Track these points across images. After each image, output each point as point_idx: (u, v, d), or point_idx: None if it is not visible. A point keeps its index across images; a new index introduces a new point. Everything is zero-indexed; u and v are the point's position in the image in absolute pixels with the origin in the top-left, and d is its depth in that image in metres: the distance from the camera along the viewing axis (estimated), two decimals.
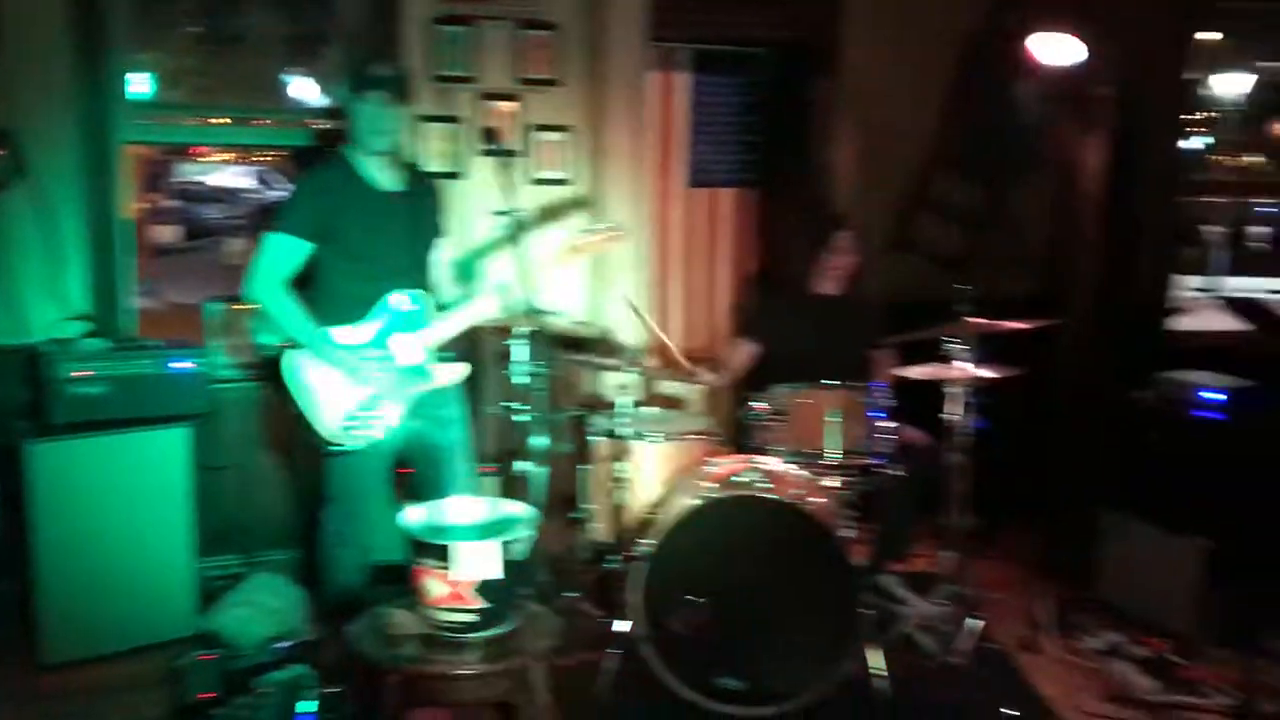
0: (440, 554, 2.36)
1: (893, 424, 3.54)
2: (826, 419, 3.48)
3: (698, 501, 3.21)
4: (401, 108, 3.13)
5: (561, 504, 4.45)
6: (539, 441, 3.67)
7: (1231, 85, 13.77)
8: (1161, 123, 4.66)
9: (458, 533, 2.59)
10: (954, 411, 3.60)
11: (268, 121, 4.78)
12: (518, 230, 3.37)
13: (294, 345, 3.16)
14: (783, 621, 3.17)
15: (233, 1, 11.39)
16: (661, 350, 4.28)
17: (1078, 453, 4.26)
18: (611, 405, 3.83)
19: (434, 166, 4.11)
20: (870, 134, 4.77)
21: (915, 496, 3.87)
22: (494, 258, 4.14)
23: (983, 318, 3.56)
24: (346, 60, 4.34)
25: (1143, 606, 3.89)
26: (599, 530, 3.83)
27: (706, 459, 3.61)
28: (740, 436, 3.91)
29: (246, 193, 16.40)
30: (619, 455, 3.65)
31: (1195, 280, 12.73)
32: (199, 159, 16.49)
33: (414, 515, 2.58)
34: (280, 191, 13.63)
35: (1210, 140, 13.43)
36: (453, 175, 4.20)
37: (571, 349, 4.18)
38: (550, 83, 4.38)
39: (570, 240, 2.98)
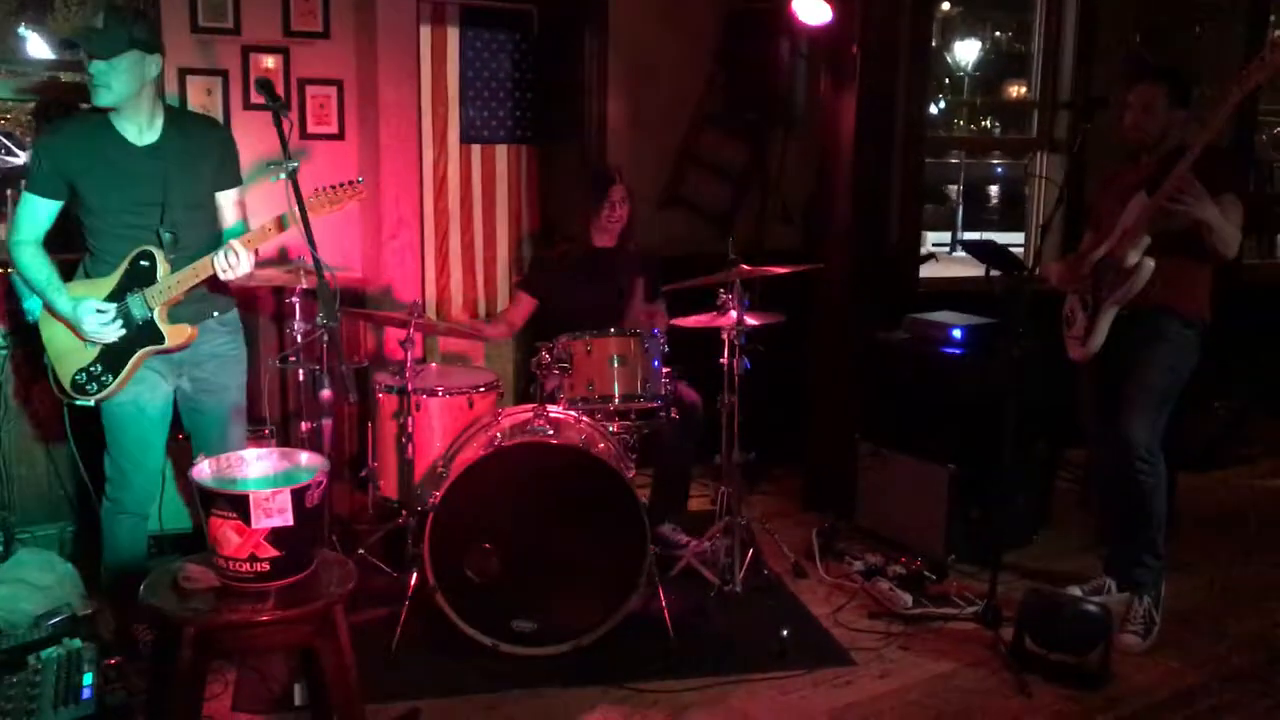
0: (231, 504, 2.33)
1: (669, 371, 3.71)
2: (609, 365, 3.61)
3: (484, 452, 3.27)
4: (110, 62, 2.91)
5: (349, 463, 4.41)
6: (322, 399, 3.60)
7: (967, 51, 14.92)
8: (907, 85, 5.02)
9: (248, 483, 2.55)
10: (725, 357, 3.81)
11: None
12: (286, 184, 3.26)
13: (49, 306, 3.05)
14: (572, 563, 3.30)
15: None
16: (441, 304, 4.28)
17: (837, 391, 4.56)
18: (396, 361, 3.80)
19: None
20: (640, 92, 4.92)
21: (692, 441, 4.09)
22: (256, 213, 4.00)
23: (749, 267, 3.76)
24: (90, 12, 4.07)
25: (899, 530, 4.24)
26: (387, 486, 3.81)
27: (492, 410, 3.68)
28: (527, 386, 3.97)
29: None
30: (404, 410, 3.66)
31: (942, 235, 13.79)
32: None
33: (203, 467, 2.52)
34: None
35: (949, 101, 14.53)
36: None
37: (353, 304, 4.11)
38: (318, 35, 4.28)
39: (318, 196, 2.93)
